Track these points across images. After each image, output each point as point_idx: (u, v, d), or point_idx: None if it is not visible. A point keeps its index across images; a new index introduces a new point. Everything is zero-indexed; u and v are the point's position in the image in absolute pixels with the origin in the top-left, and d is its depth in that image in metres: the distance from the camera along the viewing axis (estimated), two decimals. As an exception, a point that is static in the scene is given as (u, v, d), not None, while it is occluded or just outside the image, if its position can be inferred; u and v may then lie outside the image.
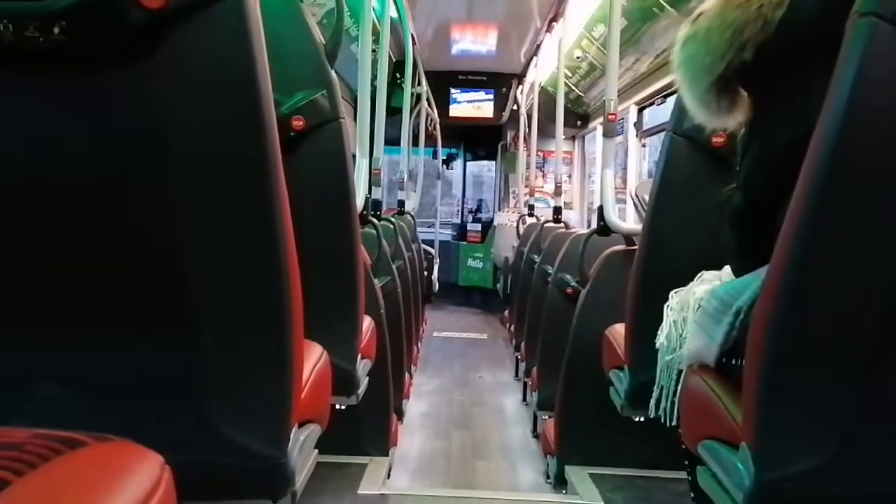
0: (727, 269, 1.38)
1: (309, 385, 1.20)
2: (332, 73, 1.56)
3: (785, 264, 0.92)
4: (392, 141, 5.24)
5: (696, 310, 1.34)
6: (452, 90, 7.70)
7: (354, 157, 2.35)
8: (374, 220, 2.67)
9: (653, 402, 1.57)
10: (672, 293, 1.49)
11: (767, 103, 1.17)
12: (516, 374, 4.85)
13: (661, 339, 1.48)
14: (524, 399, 4.29)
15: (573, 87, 6.13)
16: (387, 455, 2.70)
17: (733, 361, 1.17)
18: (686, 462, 1.51)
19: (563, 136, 4.97)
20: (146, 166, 0.89)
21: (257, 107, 0.88)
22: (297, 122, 1.50)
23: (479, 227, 8.70)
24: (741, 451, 1.01)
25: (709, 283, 1.39)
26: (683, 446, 1.43)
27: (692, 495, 1.51)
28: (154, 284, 0.94)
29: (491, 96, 7.68)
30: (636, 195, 2.42)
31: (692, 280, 1.47)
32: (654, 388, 1.55)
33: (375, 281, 2.56)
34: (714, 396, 1.17)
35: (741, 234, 1.23)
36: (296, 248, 0.99)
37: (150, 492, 0.63)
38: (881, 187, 0.88)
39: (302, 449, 1.07)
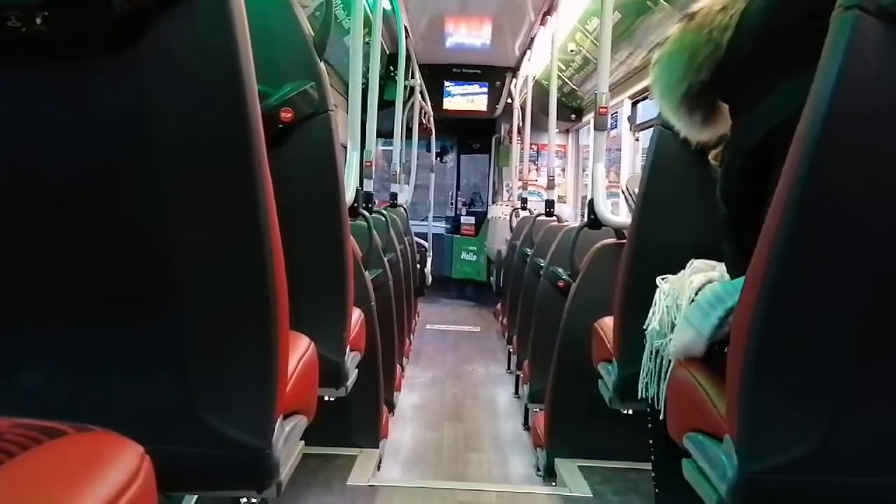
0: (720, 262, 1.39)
1: (295, 376, 1.20)
2: (321, 64, 1.55)
3: (768, 257, 0.92)
4: (386, 133, 5.24)
5: (691, 301, 1.34)
6: (446, 83, 7.68)
7: (346, 148, 2.35)
8: (365, 213, 2.66)
9: (640, 385, 1.57)
10: (659, 279, 1.49)
11: (732, 117, 1.27)
12: (509, 367, 4.86)
13: (652, 324, 1.47)
14: (516, 392, 4.29)
15: (567, 81, 6.13)
16: (377, 447, 2.70)
17: (725, 349, 1.18)
18: (651, 451, 1.52)
19: (557, 130, 4.97)
20: (129, 156, 0.89)
21: (241, 97, 0.88)
22: (286, 114, 1.49)
23: (472, 220, 8.66)
24: (725, 443, 1.02)
25: (701, 271, 1.39)
26: (650, 439, 1.44)
27: (654, 483, 1.53)
28: (137, 273, 0.94)
29: (485, 89, 7.66)
30: (627, 189, 2.43)
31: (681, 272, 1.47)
32: (641, 374, 1.56)
33: (366, 273, 2.56)
34: (699, 389, 1.18)
35: (729, 240, 1.28)
36: (284, 240, 0.98)
37: (128, 482, 0.63)
38: (864, 179, 0.89)
39: (287, 440, 1.07)
